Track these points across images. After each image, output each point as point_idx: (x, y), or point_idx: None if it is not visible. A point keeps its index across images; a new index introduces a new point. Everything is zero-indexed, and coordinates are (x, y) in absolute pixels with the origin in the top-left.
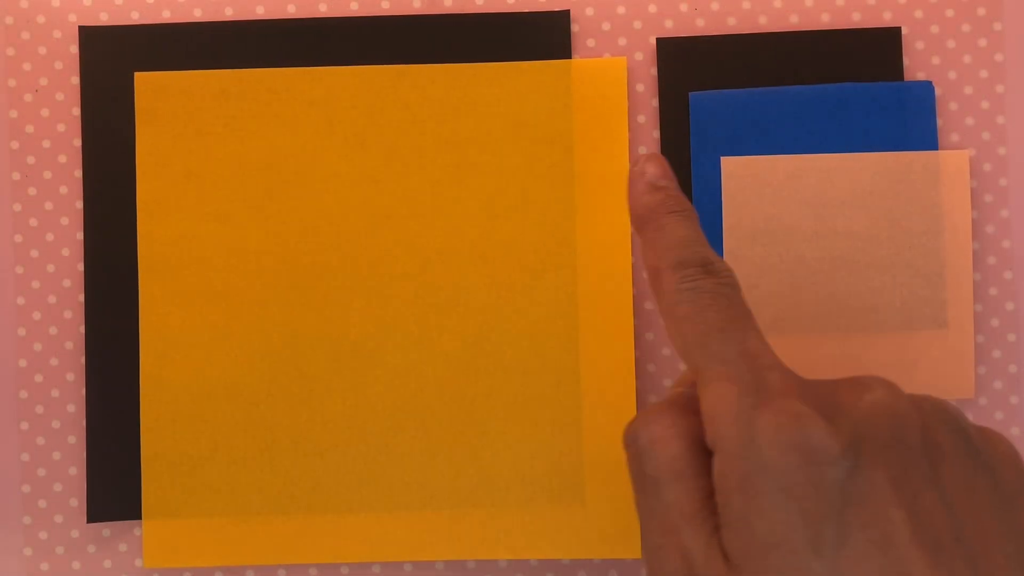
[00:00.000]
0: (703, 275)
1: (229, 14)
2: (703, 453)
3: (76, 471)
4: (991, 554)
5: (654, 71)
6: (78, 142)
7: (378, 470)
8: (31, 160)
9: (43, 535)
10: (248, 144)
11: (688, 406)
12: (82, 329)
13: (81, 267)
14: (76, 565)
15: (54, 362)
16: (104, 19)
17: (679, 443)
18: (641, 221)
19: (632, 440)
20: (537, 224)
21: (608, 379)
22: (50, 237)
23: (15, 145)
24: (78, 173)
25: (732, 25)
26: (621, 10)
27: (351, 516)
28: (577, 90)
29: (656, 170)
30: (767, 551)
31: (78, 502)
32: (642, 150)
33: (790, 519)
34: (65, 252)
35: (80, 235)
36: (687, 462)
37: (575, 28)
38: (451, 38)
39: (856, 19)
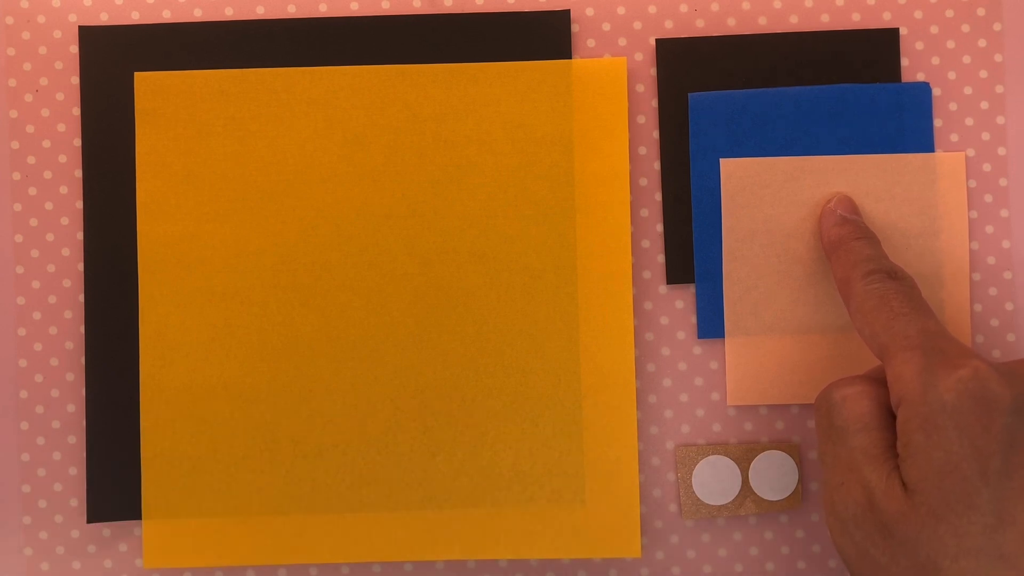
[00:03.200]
0: (888, 279)
1: (229, 14)
2: (887, 414)
3: (76, 471)
4: None
5: (654, 71)
6: (78, 142)
7: (378, 470)
8: (31, 160)
9: (43, 535)
10: (248, 144)
11: (874, 377)
12: (82, 329)
13: (81, 267)
14: (76, 565)
15: (54, 362)
16: (104, 19)
17: (866, 401)
18: (833, 246)
19: (824, 399)
20: (537, 224)
21: (608, 379)
22: (50, 237)
23: (15, 145)
24: (78, 173)
25: (732, 26)
26: (621, 10)
27: (351, 516)
28: (577, 90)
29: (845, 206)
30: (942, 477)
31: (78, 502)
32: (642, 150)
33: (963, 451)
34: (65, 252)
35: (80, 235)
36: (873, 416)
37: (575, 28)
38: (451, 38)
39: (855, 20)
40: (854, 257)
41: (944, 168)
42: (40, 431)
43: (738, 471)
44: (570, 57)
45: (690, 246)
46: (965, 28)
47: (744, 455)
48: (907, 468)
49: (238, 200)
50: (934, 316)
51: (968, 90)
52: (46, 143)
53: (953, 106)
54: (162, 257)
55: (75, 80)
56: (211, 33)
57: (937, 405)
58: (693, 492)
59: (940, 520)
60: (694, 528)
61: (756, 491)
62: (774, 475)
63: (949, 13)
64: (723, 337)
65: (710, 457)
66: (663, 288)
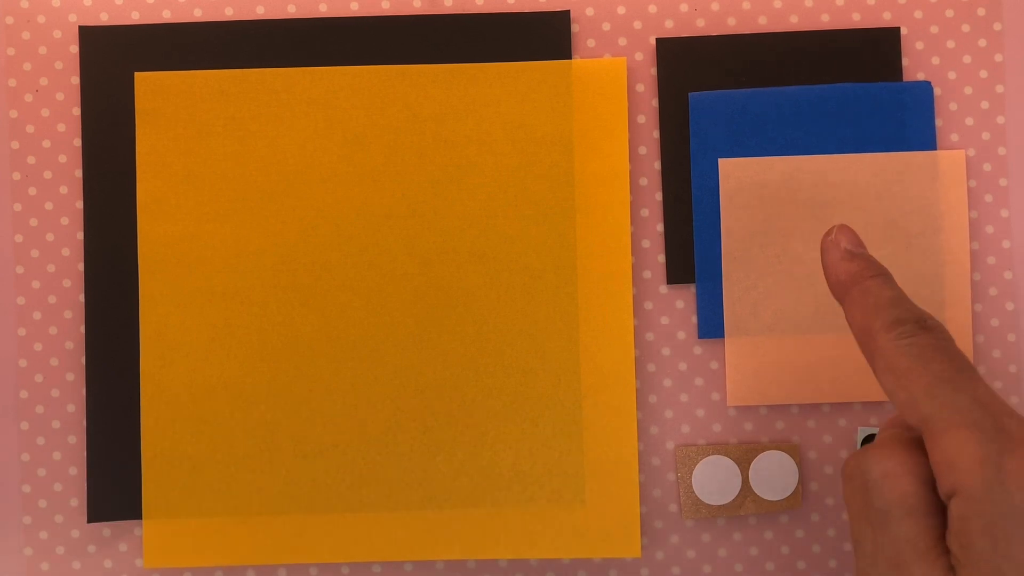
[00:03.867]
0: (920, 330)
1: (229, 14)
2: (933, 493)
3: (76, 471)
4: None
5: (654, 71)
6: (78, 142)
7: (378, 470)
8: (31, 160)
9: (43, 535)
10: (248, 144)
11: (914, 445)
12: (82, 329)
13: (81, 267)
14: (76, 565)
15: (54, 362)
16: (104, 19)
17: (911, 480)
18: (843, 287)
19: (860, 472)
20: (537, 224)
21: (608, 379)
22: (50, 237)
23: (15, 145)
24: (78, 173)
25: (732, 25)
26: (621, 10)
27: (351, 516)
28: (577, 90)
29: (850, 238)
30: None
31: (78, 502)
32: (642, 150)
33: None
34: (65, 252)
35: (80, 235)
36: (919, 498)
37: (575, 28)
38: (451, 38)
39: (856, 19)
40: (873, 301)
41: (944, 166)
42: (40, 431)
43: (738, 471)
44: (570, 57)
45: (690, 246)
46: (965, 28)
47: (744, 455)
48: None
49: (238, 200)
50: (981, 378)
51: (968, 90)
52: (46, 143)
53: (953, 106)
54: (162, 257)
55: (75, 80)
56: (211, 33)
57: (1006, 507)
58: (693, 492)
59: None
60: (694, 528)
61: (756, 491)
62: (774, 475)
63: (949, 13)
64: (723, 337)
65: (710, 457)
66: (663, 288)
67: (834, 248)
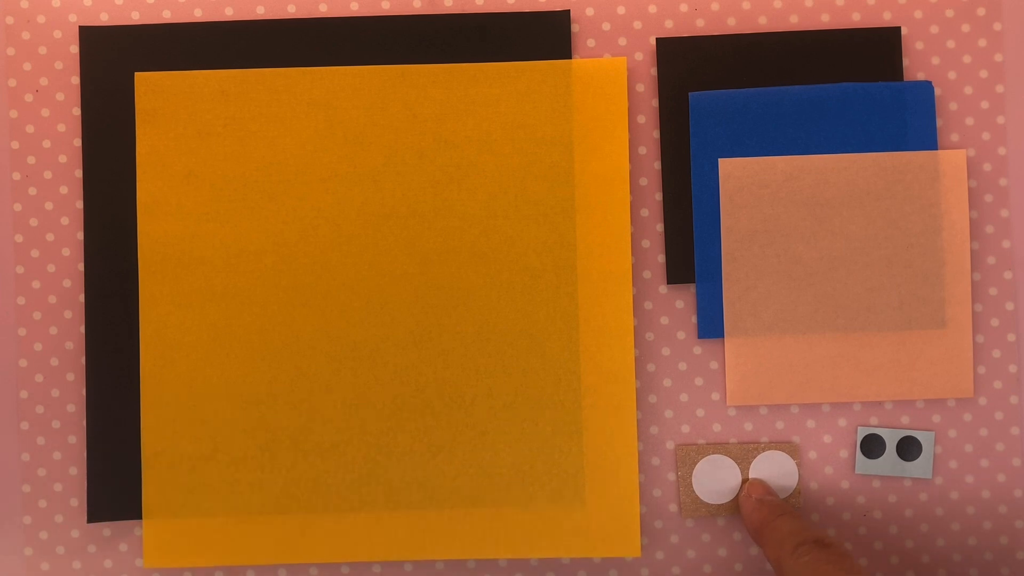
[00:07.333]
0: (817, 548)
1: (229, 14)
2: None
3: (76, 471)
4: None
5: (654, 71)
6: (78, 142)
7: (378, 470)
8: (31, 160)
9: (43, 535)
10: (248, 144)
11: None
12: (82, 329)
13: (81, 267)
14: (76, 565)
15: (54, 362)
16: (104, 19)
17: None
18: (756, 530)
19: None
20: (537, 224)
21: (608, 379)
22: (50, 237)
23: (15, 145)
24: (78, 173)
25: (732, 25)
26: (621, 10)
27: (351, 516)
28: (577, 90)
29: (760, 490)
30: None
31: (78, 502)
32: (642, 150)
33: None
34: (65, 252)
35: (80, 235)
36: None
37: (575, 28)
38: (451, 38)
39: (856, 19)
40: (778, 535)
41: (945, 166)
42: (40, 431)
43: (738, 470)
44: (570, 57)
45: (690, 246)
46: (965, 28)
47: (744, 455)
48: None
49: (238, 200)
50: None
51: (968, 90)
52: (46, 143)
53: (953, 106)
54: (162, 257)
55: (75, 80)
56: (211, 33)
57: None
58: (693, 491)
59: None
60: (694, 528)
61: None
62: (774, 475)
63: (949, 13)
64: (723, 337)
65: (710, 456)
66: (663, 288)
67: (747, 499)
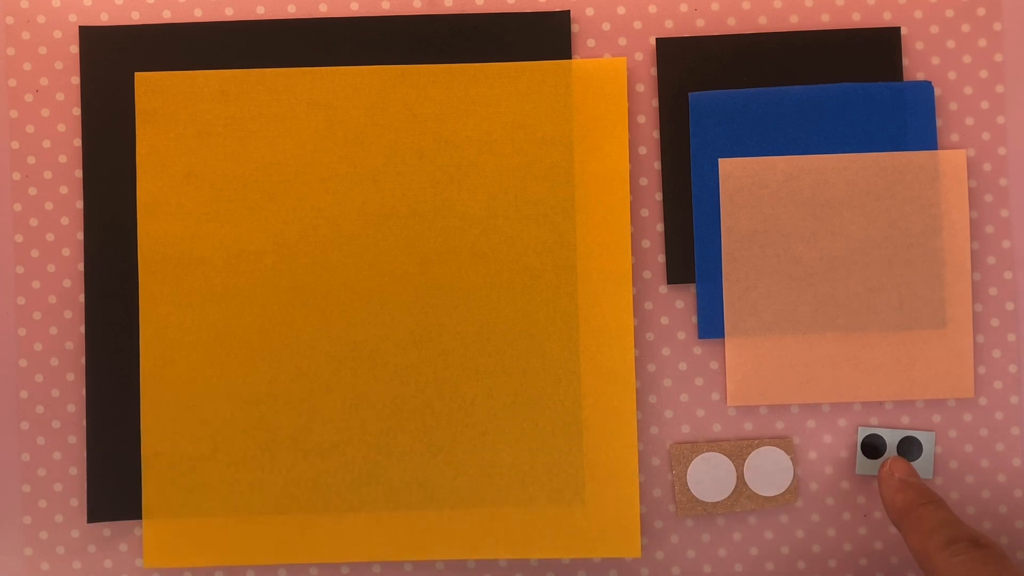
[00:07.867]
0: (973, 547)
1: (229, 14)
2: None
3: (76, 471)
4: None
5: (654, 71)
6: (78, 142)
7: (378, 470)
8: (31, 160)
9: (43, 535)
10: (248, 144)
11: None
12: (82, 329)
13: (81, 267)
14: (76, 565)
15: (54, 362)
16: (104, 19)
17: None
18: (899, 514)
19: None
20: (537, 224)
21: (608, 379)
22: (50, 237)
23: (15, 145)
24: (78, 173)
25: (732, 25)
26: (621, 10)
27: (351, 516)
28: (577, 90)
29: (903, 469)
30: None
31: (78, 502)
32: (642, 150)
33: None
34: (65, 252)
35: (80, 235)
36: None
37: (575, 28)
38: (451, 38)
39: (856, 19)
40: (927, 526)
41: (946, 166)
42: (40, 431)
43: (733, 468)
44: (570, 57)
45: (690, 246)
46: (965, 28)
47: (739, 451)
48: None
49: (238, 200)
50: None
51: (968, 90)
52: (46, 143)
53: (953, 106)
54: (162, 257)
55: (75, 80)
56: (211, 33)
57: None
58: (688, 489)
59: None
60: (694, 528)
61: (751, 487)
62: (769, 471)
63: (949, 13)
64: (723, 337)
65: (705, 454)
66: (663, 288)
67: (889, 478)
